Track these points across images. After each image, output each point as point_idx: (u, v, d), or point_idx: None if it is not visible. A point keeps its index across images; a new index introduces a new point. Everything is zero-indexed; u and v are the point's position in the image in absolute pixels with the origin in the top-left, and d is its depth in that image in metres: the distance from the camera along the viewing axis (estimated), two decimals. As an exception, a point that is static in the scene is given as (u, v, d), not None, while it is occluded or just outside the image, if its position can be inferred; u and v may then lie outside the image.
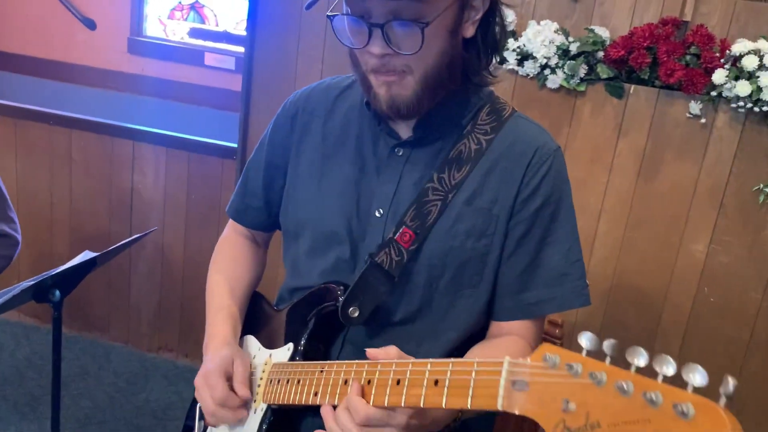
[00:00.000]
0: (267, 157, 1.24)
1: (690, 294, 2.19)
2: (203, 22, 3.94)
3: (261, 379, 1.11)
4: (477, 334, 1.14)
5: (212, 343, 1.13)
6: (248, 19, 2.45)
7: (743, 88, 1.94)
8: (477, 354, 1.07)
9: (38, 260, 2.98)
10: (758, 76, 1.92)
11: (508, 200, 1.05)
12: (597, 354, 0.65)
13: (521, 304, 1.09)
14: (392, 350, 0.91)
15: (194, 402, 1.19)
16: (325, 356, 1.10)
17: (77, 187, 2.85)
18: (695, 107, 2.03)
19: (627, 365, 0.62)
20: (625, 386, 0.60)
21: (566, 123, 2.18)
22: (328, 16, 0.99)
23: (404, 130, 1.09)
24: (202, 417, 1.18)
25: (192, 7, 3.92)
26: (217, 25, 3.93)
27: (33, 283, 1.63)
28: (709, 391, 0.58)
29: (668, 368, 0.59)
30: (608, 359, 0.64)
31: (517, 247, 1.07)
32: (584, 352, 0.66)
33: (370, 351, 0.91)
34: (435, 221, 1.05)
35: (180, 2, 3.91)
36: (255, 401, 1.09)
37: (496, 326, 1.13)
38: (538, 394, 0.68)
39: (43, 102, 3.04)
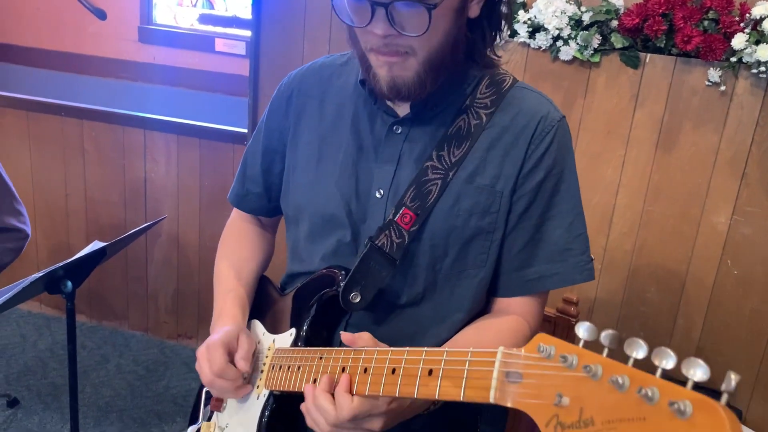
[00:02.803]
0: (264, 142, 1.21)
1: (712, 267, 2.13)
2: (212, 8, 3.92)
3: (264, 364, 1.09)
4: (483, 312, 1.11)
5: (219, 321, 1.11)
6: (253, 3, 2.42)
7: (764, 52, 1.86)
8: (470, 335, 1.05)
9: (56, 251, 3.00)
10: (780, 40, 1.84)
11: (512, 175, 1.02)
12: (595, 345, 0.61)
13: (522, 280, 1.06)
14: (365, 336, 0.90)
15: (201, 386, 1.18)
16: (328, 341, 1.08)
17: (91, 177, 2.86)
18: (714, 74, 1.96)
19: (626, 358, 0.58)
20: (620, 380, 0.56)
21: (581, 95, 2.13)
22: None
23: (401, 107, 1.05)
24: (208, 402, 1.17)
25: (201, -8, 3.89)
26: (226, 11, 3.90)
27: (43, 274, 1.63)
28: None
29: (668, 362, 0.55)
30: (606, 351, 0.60)
31: (518, 222, 1.04)
32: (581, 343, 0.62)
33: (344, 335, 0.90)
34: (436, 201, 1.01)
35: (188, -12, 3.89)
36: (258, 387, 1.08)
37: (496, 302, 1.10)
38: (532, 387, 0.64)
39: (56, 94, 3.04)
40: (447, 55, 0.96)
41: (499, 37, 1.04)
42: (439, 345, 1.05)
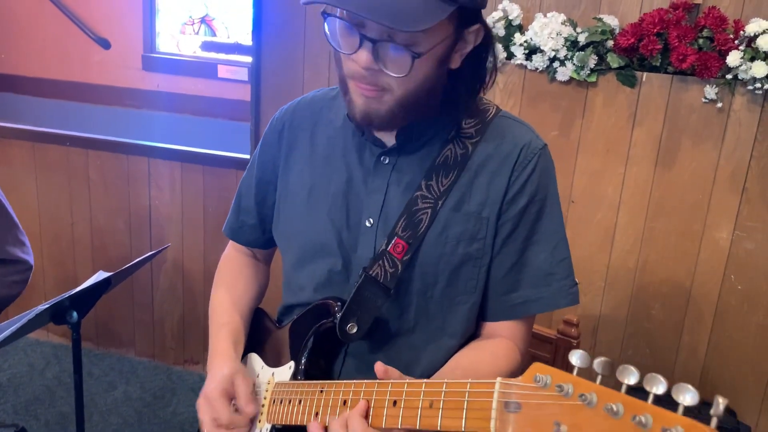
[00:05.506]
0: (258, 174, 1.23)
1: (716, 283, 2.13)
2: (214, 35, 3.97)
3: (265, 398, 1.10)
4: (475, 337, 1.13)
5: (214, 361, 1.12)
6: (253, 29, 2.45)
7: (759, 69, 1.88)
8: (468, 355, 1.07)
9: (62, 280, 3.02)
10: (774, 56, 1.86)
11: (496, 202, 1.04)
12: (588, 372, 0.63)
13: (508, 305, 1.08)
14: (395, 375, 0.90)
15: None
16: (327, 372, 1.09)
17: (96, 205, 2.89)
18: (711, 91, 1.98)
19: (618, 384, 0.60)
20: (614, 408, 0.59)
21: (579, 115, 2.14)
22: (322, 14, 0.97)
23: (388, 138, 1.08)
24: None
25: (202, 20, 3.95)
26: (228, 38, 3.96)
27: (49, 305, 1.64)
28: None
29: (659, 388, 0.58)
30: (599, 378, 0.62)
31: (503, 247, 1.06)
32: (575, 371, 0.65)
33: (378, 365, 0.90)
34: (426, 230, 1.03)
35: (190, 17, 3.94)
36: (260, 421, 1.08)
37: (484, 326, 1.12)
38: (531, 416, 0.66)
39: (62, 122, 3.09)
40: (422, 99, 0.99)
41: (484, 90, 1.07)
42: (435, 370, 1.07)
